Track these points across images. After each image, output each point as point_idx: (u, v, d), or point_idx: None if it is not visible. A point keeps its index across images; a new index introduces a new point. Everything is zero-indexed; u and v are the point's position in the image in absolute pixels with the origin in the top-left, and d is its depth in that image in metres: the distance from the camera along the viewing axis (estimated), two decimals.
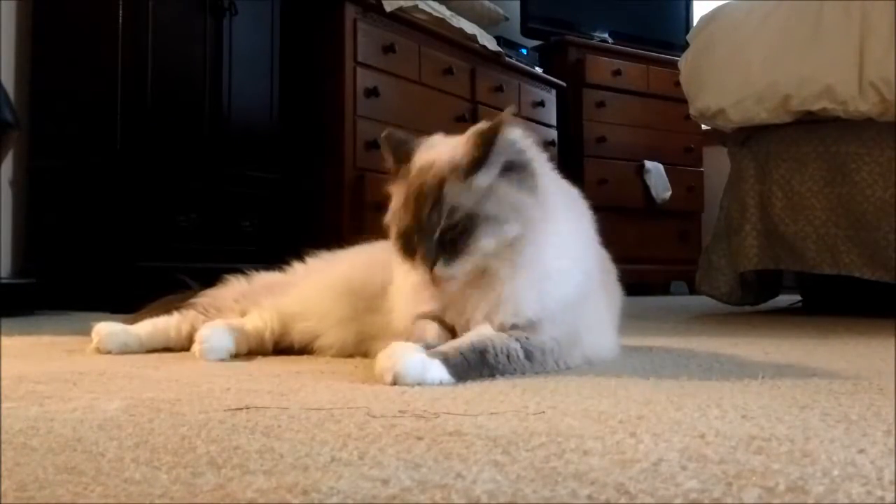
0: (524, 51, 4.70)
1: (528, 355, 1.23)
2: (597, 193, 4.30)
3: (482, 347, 1.18)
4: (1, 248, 2.96)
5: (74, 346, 1.62)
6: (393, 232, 1.28)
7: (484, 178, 1.21)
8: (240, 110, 3.18)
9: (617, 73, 4.99)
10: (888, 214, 2.70)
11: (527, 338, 1.23)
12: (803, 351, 1.67)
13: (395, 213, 1.27)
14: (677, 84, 3.47)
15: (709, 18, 3.23)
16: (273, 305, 1.55)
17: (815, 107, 2.79)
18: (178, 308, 1.62)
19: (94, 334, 1.54)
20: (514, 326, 1.23)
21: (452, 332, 1.27)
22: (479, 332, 1.21)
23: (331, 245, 1.71)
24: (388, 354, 1.14)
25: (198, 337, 1.46)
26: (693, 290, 3.91)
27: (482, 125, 1.26)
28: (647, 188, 4.98)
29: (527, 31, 4.94)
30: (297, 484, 0.61)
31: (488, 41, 4.21)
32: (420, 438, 0.77)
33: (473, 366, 1.17)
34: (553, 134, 4.71)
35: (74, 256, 2.88)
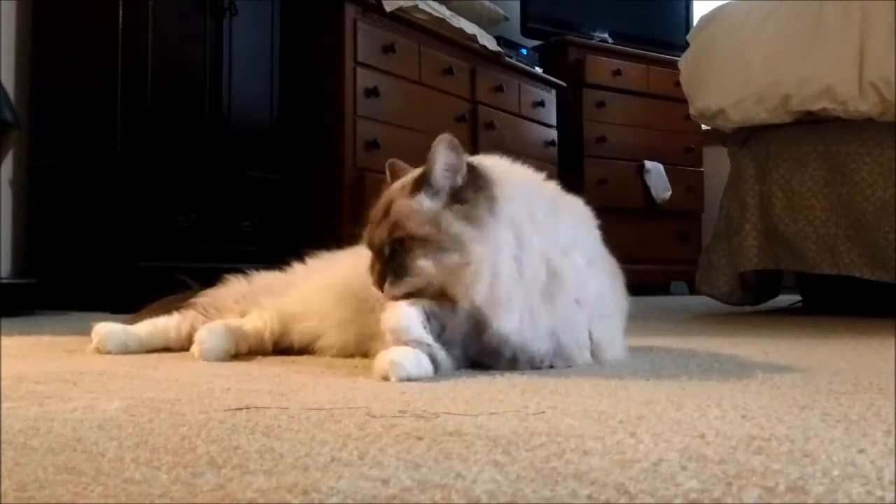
0: (524, 51, 4.70)
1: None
2: (597, 193, 4.30)
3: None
4: (1, 248, 2.96)
5: (74, 346, 1.62)
6: None
7: (429, 202, 1.23)
8: (240, 110, 3.18)
9: (617, 73, 4.99)
10: (888, 214, 2.70)
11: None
12: (803, 351, 1.67)
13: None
14: (677, 84, 3.47)
15: (709, 18, 3.23)
16: (273, 306, 1.55)
17: (815, 107, 2.79)
18: (178, 308, 1.62)
19: (93, 334, 1.54)
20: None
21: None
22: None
23: (331, 245, 1.71)
24: (386, 355, 1.16)
25: (196, 338, 1.46)
26: (693, 290, 3.91)
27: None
28: (647, 188, 4.98)
29: (527, 31, 4.94)
30: (297, 484, 0.61)
31: (488, 41, 4.21)
32: (420, 438, 0.77)
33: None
34: (553, 134, 4.71)
35: (74, 256, 2.88)
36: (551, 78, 4.75)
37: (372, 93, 3.46)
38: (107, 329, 1.54)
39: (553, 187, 1.42)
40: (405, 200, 1.26)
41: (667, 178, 5.05)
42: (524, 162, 1.41)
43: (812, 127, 2.89)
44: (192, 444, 0.75)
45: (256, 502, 0.58)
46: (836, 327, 2.30)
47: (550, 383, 1.13)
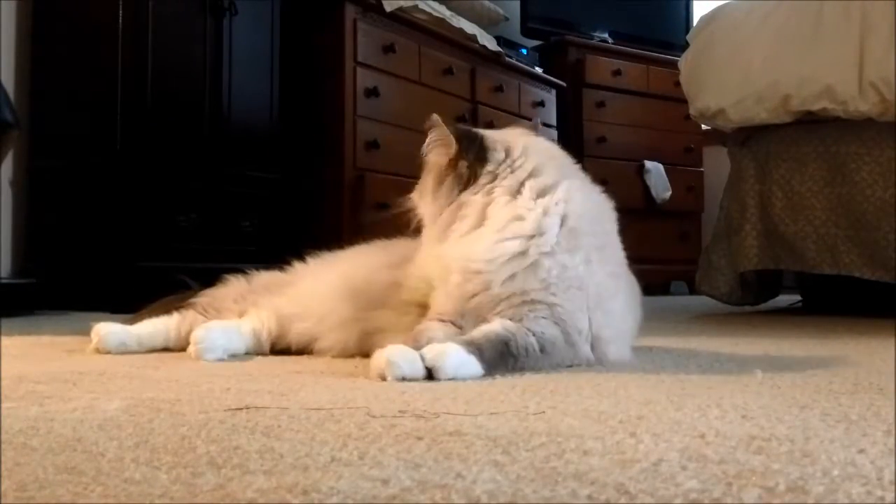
0: (524, 51, 4.70)
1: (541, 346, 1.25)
2: None
3: (503, 339, 1.22)
4: (1, 248, 2.96)
5: (74, 346, 1.61)
6: None
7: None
8: (240, 110, 3.18)
9: (617, 73, 4.99)
10: (888, 214, 2.70)
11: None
12: (803, 351, 1.67)
13: None
14: (677, 84, 3.46)
15: (709, 18, 3.22)
16: (271, 306, 1.55)
17: (815, 107, 2.79)
18: (177, 308, 1.62)
19: (93, 334, 1.54)
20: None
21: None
22: (494, 327, 1.24)
23: (331, 245, 1.71)
24: (383, 353, 1.17)
25: (193, 338, 1.46)
26: (693, 290, 3.90)
27: None
28: (647, 188, 4.98)
29: (527, 31, 4.94)
30: (297, 484, 0.61)
31: (488, 41, 4.21)
32: (420, 438, 0.77)
33: (490, 355, 1.20)
34: (553, 134, 4.71)
35: (74, 256, 2.88)
36: (551, 78, 4.75)
37: (372, 93, 3.46)
38: (107, 329, 1.54)
39: (554, 151, 1.51)
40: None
41: (667, 178, 5.05)
42: None
43: (812, 127, 2.89)
44: (192, 444, 0.75)
45: (256, 502, 0.58)
46: (836, 327, 2.30)
47: (550, 383, 1.13)
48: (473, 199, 1.33)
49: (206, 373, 1.26)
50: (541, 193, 1.33)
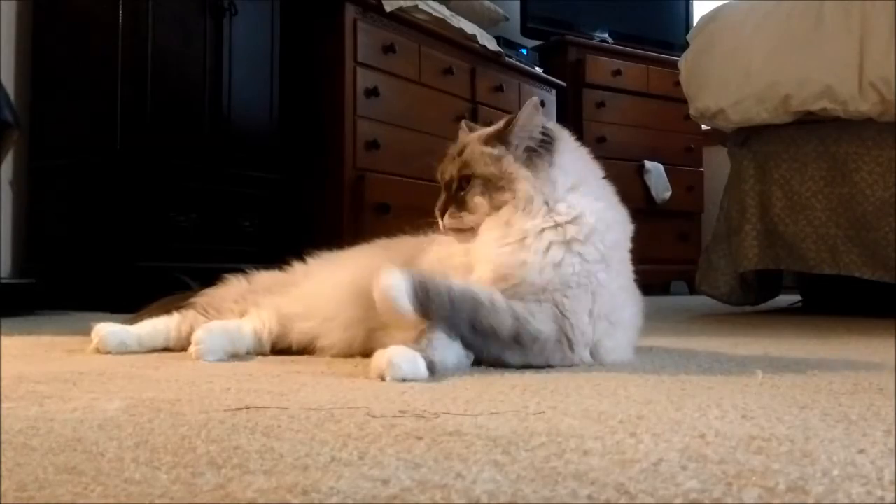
0: (524, 51, 4.70)
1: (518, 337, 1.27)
2: None
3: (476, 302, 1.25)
4: (1, 248, 2.96)
5: (74, 346, 1.61)
6: None
7: (498, 150, 1.36)
8: (240, 110, 3.18)
9: (617, 73, 4.99)
10: (888, 214, 2.70)
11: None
12: (803, 351, 1.67)
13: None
14: (677, 84, 3.47)
15: (709, 18, 3.23)
16: (272, 306, 1.55)
17: (815, 107, 2.79)
18: (177, 308, 1.62)
19: (93, 334, 1.54)
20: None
21: None
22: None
23: (331, 245, 1.71)
24: (384, 354, 1.17)
25: (194, 338, 1.45)
26: (693, 290, 3.91)
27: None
28: (647, 188, 4.98)
29: (527, 31, 4.94)
30: (297, 484, 0.61)
31: (488, 41, 4.21)
32: (420, 438, 0.77)
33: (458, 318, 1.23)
34: None
35: (74, 256, 2.88)
36: (551, 78, 4.75)
37: (372, 93, 3.46)
38: (107, 329, 1.54)
39: (606, 183, 1.49)
40: (479, 146, 1.38)
41: (667, 178, 5.05)
42: None
43: (812, 127, 2.89)
44: (192, 444, 0.75)
45: (256, 502, 0.58)
46: (836, 327, 2.30)
47: (550, 383, 1.13)
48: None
49: (206, 373, 1.26)
50: (572, 205, 1.36)
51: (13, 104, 2.54)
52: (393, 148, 3.45)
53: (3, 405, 0.96)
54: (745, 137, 3.06)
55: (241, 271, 1.72)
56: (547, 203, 1.34)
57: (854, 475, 0.63)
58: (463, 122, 1.52)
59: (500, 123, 1.40)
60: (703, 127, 4.44)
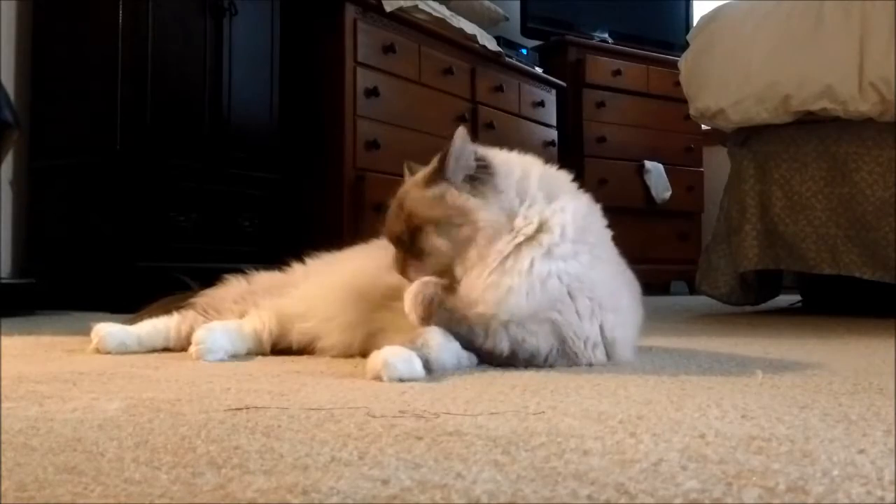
0: (524, 51, 4.70)
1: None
2: (597, 193, 4.26)
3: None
4: (1, 248, 2.96)
5: (74, 346, 1.61)
6: None
7: (438, 189, 1.31)
8: (240, 110, 3.18)
9: (617, 73, 4.99)
10: (888, 214, 2.70)
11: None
12: (803, 351, 1.67)
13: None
14: (677, 84, 3.47)
15: (709, 18, 3.23)
16: (272, 306, 1.55)
17: (815, 107, 2.79)
18: (177, 308, 1.62)
19: (93, 334, 1.54)
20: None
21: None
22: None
23: (331, 245, 1.71)
24: (379, 354, 1.17)
25: (194, 338, 1.45)
26: (693, 290, 3.90)
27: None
28: (647, 188, 4.98)
29: (527, 31, 4.94)
30: (297, 484, 0.61)
31: (488, 41, 4.21)
32: (420, 438, 0.77)
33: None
34: (553, 134, 4.71)
35: (74, 256, 2.88)
36: (551, 78, 4.75)
37: (372, 93, 3.46)
38: (106, 329, 1.54)
39: (558, 174, 1.43)
40: (419, 191, 1.34)
41: (667, 178, 5.05)
42: None
43: (812, 127, 2.89)
44: (192, 444, 0.75)
45: (256, 502, 0.58)
46: (836, 327, 2.30)
47: (550, 383, 1.13)
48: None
49: (206, 373, 1.26)
50: (535, 215, 1.32)
51: (13, 104, 2.54)
52: (393, 148, 3.44)
53: (3, 405, 0.96)
54: (745, 137, 3.05)
55: (241, 271, 1.72)
56: (510, 222, 1.30)
57: (854, 475, 0.63)
58: (405, 165, 1.47)
59: (434, 161, 1.34)
60: (703, 127, 4.44)
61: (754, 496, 0.58)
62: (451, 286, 1.29)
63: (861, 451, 0.71)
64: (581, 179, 1.47)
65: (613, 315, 1.33)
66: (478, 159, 1.33)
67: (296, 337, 1.52)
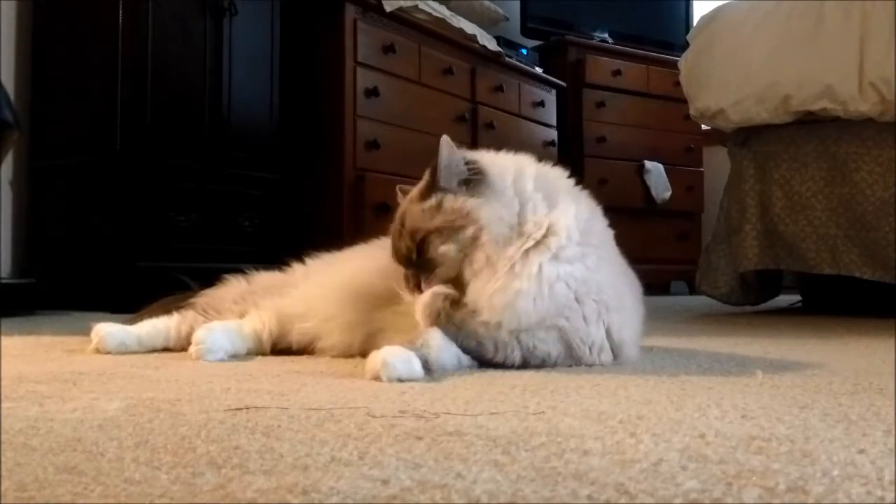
0: (524, 51, 4.70)
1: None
2: (597, 193, 4.27)
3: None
4: (1, 248, 2.96)
5: (74, 346, 1.61)
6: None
7: (434, 199, 1.31)
8: (240, 110, 3.18)
9: (617, 73, 4.99)
10: (888, 214, 2.70)
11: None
12: (803, 351, 1.67)
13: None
14: (677, 84, 3.47)
15: (709, 18, 3.23)
16: (272, 306, 1.55)
17: (815, 107, 2.79)
18: (177, 308, 1.62)
19: (93, 334, 1.54)
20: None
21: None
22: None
23: (331, 245, 1.71)
24: (378, 354, 1.17)
25: (194, 338, 1.46)
26: (693, 290, 3.90)
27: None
28: (647, 188, 4.98)
29: (527, 31, 4.94)
30: (297, 484, 0.61)
31: (488, 41, 4.21)
32: (420, 438, 0.77)
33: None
34: (553, 134, 4.71)
35: (74, 256, 2.88)
36: (551, 78, 4.75)
37: (372, 93, 3.46)
38: (106, 329, 1.54)
39: (555, 173, 1.42)
40: (416, 206, 1.33)
41: (667, 178, 5.05)
42: None
43: (812, 127, 2.89)
44: (192, 444, 0.75)
45: (256, 502, 0.58)
46: (836, 327, 2.30)
47: (550, 383, 1.13)
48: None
49: (206, 373, 1.26)
50: (540, 218, 1.31)
51: (13, 104, 2.54)
52: (393, 148, 3.45)
53: (3, 405, 0.96)
54: (745, 137, 3.05)
55: (241, 271, 1.72)
56: (513, 226, 1.29)
57: (854, 475, 0.63)
58: (397, 188, 1.46)
59: (426, 175, 1.34)
60: (703, 127, 4.44)
61: (754, 496, 0.58)
62: (459, 300, 1.28)
63: (861, 451, 0.71)
64: (581, 179, 1.47)
65: (619, 315, 1.33)
66: (468, 163, 1.32)
67: (296, 337, 1.52)
